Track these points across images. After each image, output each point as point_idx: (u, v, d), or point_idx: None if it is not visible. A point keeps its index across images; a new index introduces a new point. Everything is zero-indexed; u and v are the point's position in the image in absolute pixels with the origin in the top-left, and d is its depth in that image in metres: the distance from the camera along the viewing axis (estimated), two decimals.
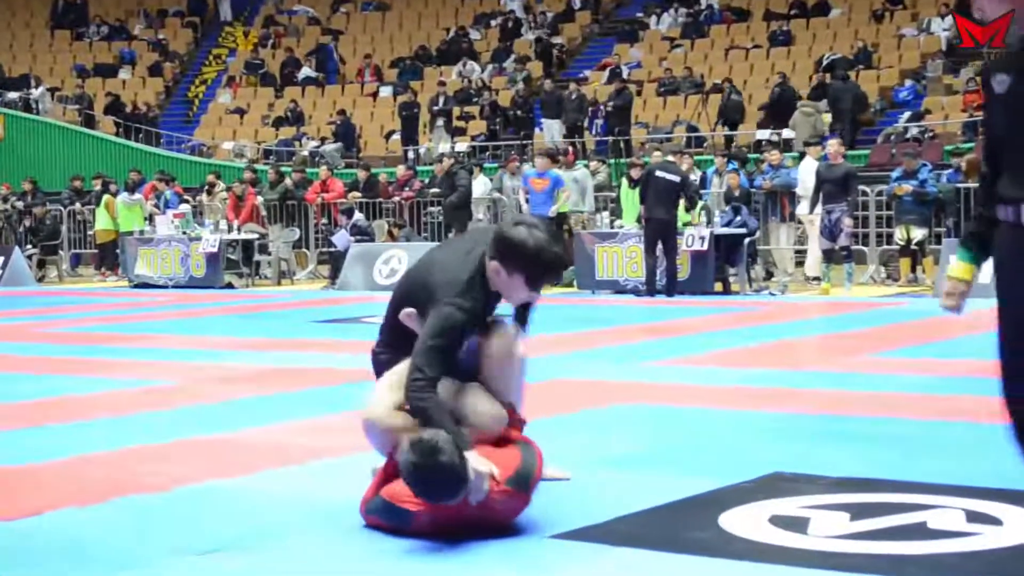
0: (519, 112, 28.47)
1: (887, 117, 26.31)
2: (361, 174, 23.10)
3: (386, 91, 32.34)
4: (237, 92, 34.50)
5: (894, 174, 18.21)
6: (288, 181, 22.54)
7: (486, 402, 4.72)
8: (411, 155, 27.48)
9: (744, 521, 4.74)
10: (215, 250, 19.92)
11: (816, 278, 17.57)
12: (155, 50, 37.12)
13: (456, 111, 29.52)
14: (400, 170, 22.99)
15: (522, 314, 5.13)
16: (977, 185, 17.61)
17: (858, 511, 4.79)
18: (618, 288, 17.10)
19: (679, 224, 16.71)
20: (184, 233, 20.50)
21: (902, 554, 4.27)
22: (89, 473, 5.98)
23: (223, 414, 7.65)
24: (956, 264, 3.90)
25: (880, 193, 18.43)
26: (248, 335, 12.62)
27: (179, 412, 7.73)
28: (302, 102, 32.48)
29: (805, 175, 17.89)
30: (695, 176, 19.56)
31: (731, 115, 26.54)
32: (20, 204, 25.15)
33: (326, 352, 10.83)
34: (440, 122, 28.70)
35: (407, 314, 4.71)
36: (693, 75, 28.92)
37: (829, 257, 16.57)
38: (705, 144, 26.11)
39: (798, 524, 4.67)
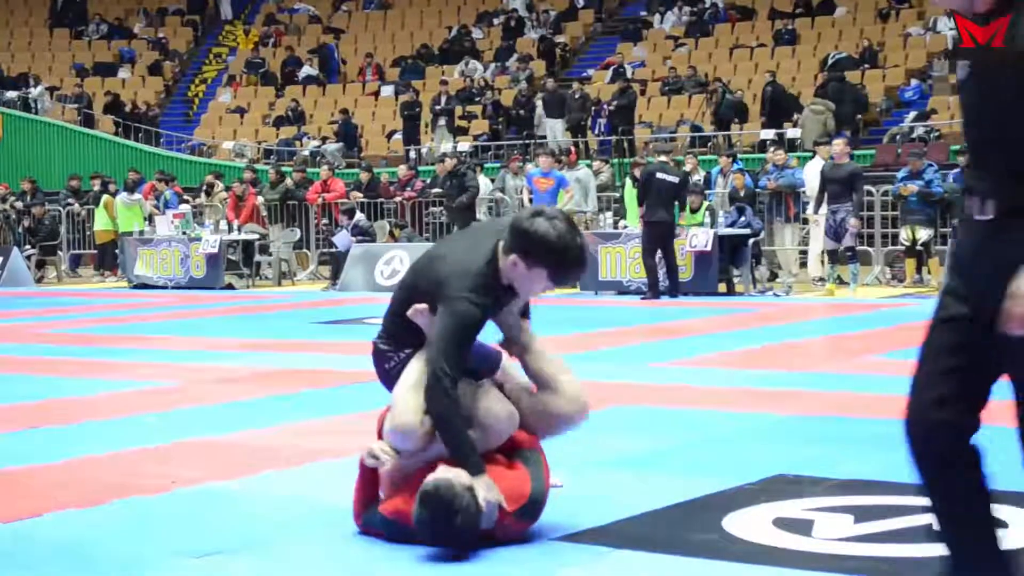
0: (521, 111, 28.46)
1: (893, 117, 26.30)
2: (364, 176, 23.09)
3: (388, 90, 32.32)
4: (237, 91, 34.49)
5: (900, 174, 18.19)
6: (289, 181, 22.52)
7: (499, 403, 4.66)
8: (413, 155, 27.47)
9: (748, 523, 4.72)
10: (215, 251, 19.90)
11: (821, 279, 17.54)
12: (155, 49, 37.11)
13: (458, 110, 29.51)
14: (402, 170, 22.98)
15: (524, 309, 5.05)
16: None
17: (862, 513, 4.77)
18: (621, 289, 17.07)
19: (684, 225, 16.70)
20: (184, 233, 20.47)
21: (906, 557, 4.25)
22: (89, 475, 5.96)
23: (223, 415, 7.63)
24: None
25: (885, 193, 18.40)
26: (248, 336, 12.60)
27: (179, 413, 7.71)
28: (303, 101, 32.47)
29: (812, 175, 17.85)
30: (699, 176, 19.56)
31: (725, 115, 26.51)
32: (19, 204, 25.13)
33: (327, 353, 10.81)
34: (442, 122, 28.69)
35: (418, 310, 4.62)
36: (697, 74, 28.89)
37: (834, 258, 16.53)
38: (709, 144, 26.10)
39: (802, 526, 4.65)
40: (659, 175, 16.13)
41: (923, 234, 17.39)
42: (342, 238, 19.73)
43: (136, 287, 20.45)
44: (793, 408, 7.54)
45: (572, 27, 33.94)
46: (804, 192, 18.49)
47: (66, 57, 37.08)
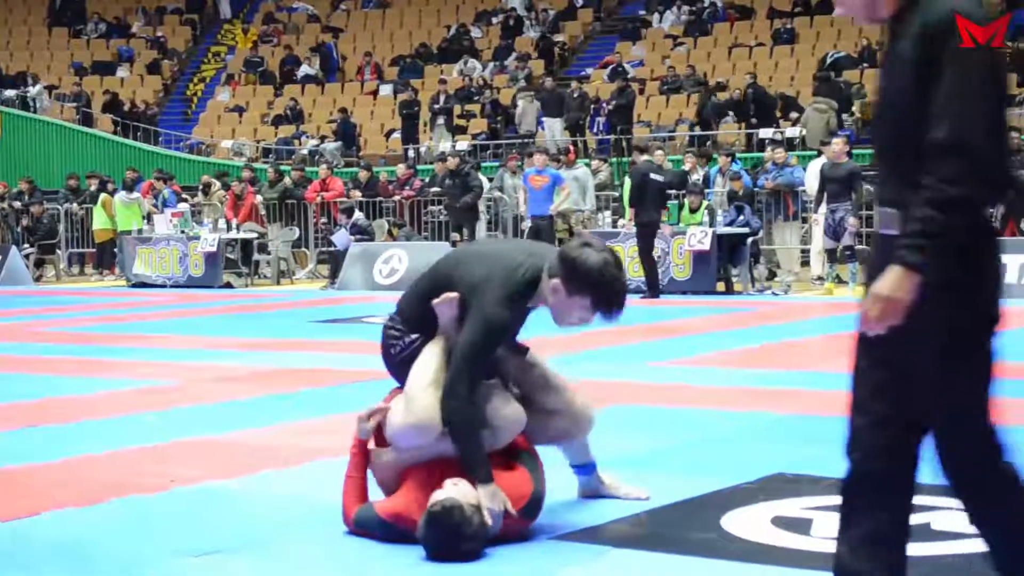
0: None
1: None
2: (362, 174, 23.08)
3: (386, 89, 32.30)
4: (236, 90, 34.46)
5: None
6: (287, 180, 22.51)
7: (507, 404, 4.68)
8: (411, 154, 27.45)
9: (747, 522, 4.73)
10: (214, 249, 19.89)
11: (820, 278, 17.54)
12: (153, 48, 37.07)
13: (457, 109, 29.48)
14: (400, 169, 22.97)
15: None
16: None
17: None
18: None
19: (682, 224, 16.68)
20: (182, 232, 20.46)
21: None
22: (87, 474, 5.96)
23: (222, 414, 7.63)
24: None
25: None
26: (247, 335, 12.59)
27: (178, 412, 7.71)
28: (302, 100, 32.44)
29: (813, 175, 17.82)
30: (698, 175, 19.55)
31: (709, 115, 26.50)
32: (17, 203, 25.12)
33: (326, 352, 10.80)
34: (441, 120, 28.67)
35: (448, 299, 4.65)
36: (696, 73, 28.88)
37: (833, 257, 16.54)
38: (708, 143, 26.07)
39: (801, 525, 4.65)
40: (653, 176, 16.09)
41: None
42: (341, 237, 19.72)
43: (134, 286, 20.43)
44: (792, 407, 7.54)
45: (571, 26, 33.93)
46: (803, 191, 18.48)
47: (64, 56, 37.04)
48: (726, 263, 17.05)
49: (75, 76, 35.24)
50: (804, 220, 18.65)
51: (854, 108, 25.23)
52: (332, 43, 34.87)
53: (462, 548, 4.32)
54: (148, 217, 22.12)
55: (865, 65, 27.59)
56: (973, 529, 3.91)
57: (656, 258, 16.18)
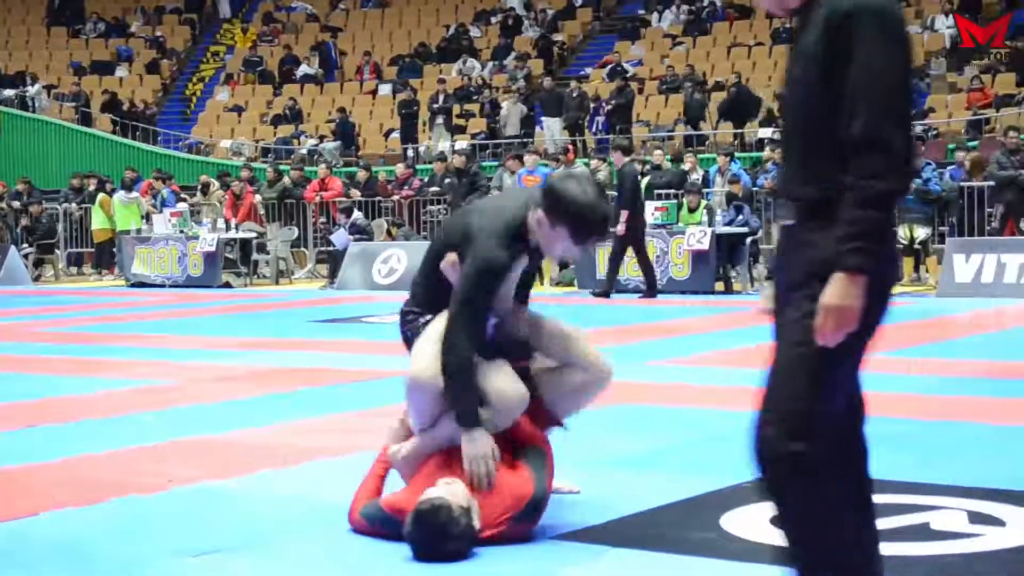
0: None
1: None
2: (361, 174, 23.06)
3: (385, 89, 32.30)
4: (235, 90, 34.45)
5: None
6: (286, 179, 22.51)
7: (510, 383, 4.64)
8: (410, 153, 27.45)
9: (746, 522, 4.72)
10: (213, 249, 19.88)
11: None
12: (152, 47, 37.06)
13: (456, 109, 29.48)
14: (399, 168, 22.96)
15: (523, 293, 5.06)
16: (981, 184, 17.66)
17: None
18: (619, 287, 17.05)
19: (681, 224, 16.64)
20: (181, 232, 20.46)
21: (905, 555, 4.24)
22: (86, 473, 5.95)
23: (221, 414, 7.62)
24: None
25: None
26: (246, 335, 12.59)
27: (177, 412, 7.70)
28: (301, 100, 32.44)
29: None
30: (698, 175, 19.55)
31: (694, 114, 26.49)
32: (16, 203, 25.10)
33: (325, 352, 10.80)
34: (440, 120, 28.66)
35: (450, 261, 4.65)
36: (695, 73, 28.87)
37: None
38: (707, 142, 26.08)
39: None
40: (640, 178, 16.15)
41: (921, 232, 17.39)
42: (340, 236, 19.72)
43: (133, 286, 20.43)
44: None
45: (570, 26, 33.93)
46: None
47: (63, 55, 37.03)
48: (725, 263, 17.06)
49: (74, 76, 35.22)
50: None
51: None
52: (331, 43, 34.86)
53: (447, 548, 4.29)
54: (147, 217, 22.11)
55: None
56: (973, 529, 3.93)
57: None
